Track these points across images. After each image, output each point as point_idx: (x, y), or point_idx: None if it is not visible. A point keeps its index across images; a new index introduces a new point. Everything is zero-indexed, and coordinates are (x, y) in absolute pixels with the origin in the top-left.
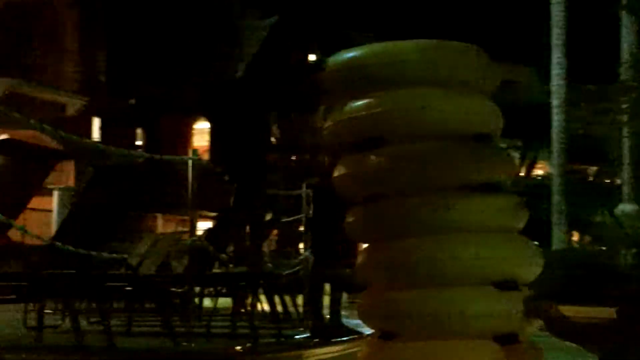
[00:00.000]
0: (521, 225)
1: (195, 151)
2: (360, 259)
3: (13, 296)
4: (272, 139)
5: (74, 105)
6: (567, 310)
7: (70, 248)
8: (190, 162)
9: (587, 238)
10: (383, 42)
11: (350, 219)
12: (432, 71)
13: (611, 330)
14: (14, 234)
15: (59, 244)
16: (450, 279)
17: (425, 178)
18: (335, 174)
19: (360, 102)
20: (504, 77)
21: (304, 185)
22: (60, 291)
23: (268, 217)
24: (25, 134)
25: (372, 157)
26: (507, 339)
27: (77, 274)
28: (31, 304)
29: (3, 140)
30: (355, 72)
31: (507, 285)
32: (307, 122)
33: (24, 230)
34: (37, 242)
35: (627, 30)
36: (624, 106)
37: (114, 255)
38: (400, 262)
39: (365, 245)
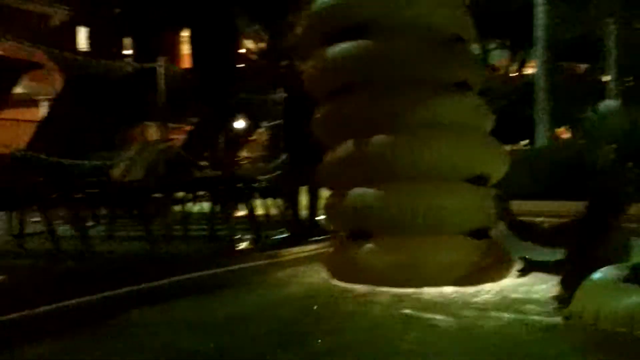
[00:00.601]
0: (488, 125)
1: (166, 59)
2: (327, 157)
3: None
4: (252, 45)
5: (58, 15)
6: (538, 205)
7: (42, 156)
8: (161, 70)
9: (578, 134)
10: None
11: (318, 115)
12: None
13: (567, 233)
14: None
15: (30, 152)
16: (424, 173)
17: (396, 76)
18: (308, 66)
19: None
20: None
21: (282, 91)
22: (35, 199)
23: (242, 121)
24: (10, 46)
25: (348, 46)
26: (480, 234)
27: (48, 182)
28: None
29: None
30: None
31: (479, 180)
32: (285, 26)
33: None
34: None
35: None
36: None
37: (95, 162)
38: (372, 158)
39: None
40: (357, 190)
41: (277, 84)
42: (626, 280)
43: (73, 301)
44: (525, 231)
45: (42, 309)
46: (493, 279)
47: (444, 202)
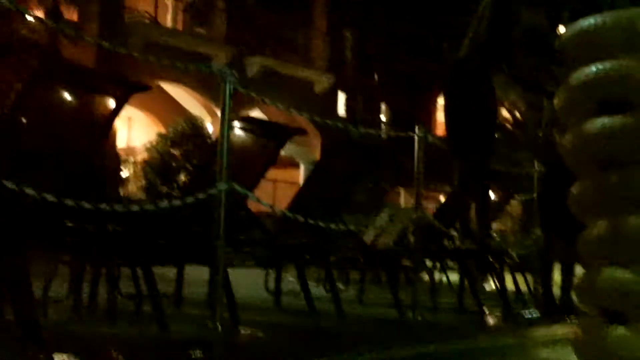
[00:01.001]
0: None
1: (422, 126)
2: (585, 233)
3: (252, 262)
4: (516, 114)
5: (321, 82)
6: None
7: (300, 218)
8: (416, 138)
9: None
10: (621, 9)
11: (577, 191)
12: None
13: None
14: (252, 204)
15: (290, 214)
16: None
17: None
18: (566, 139)
19: (603, 65)
20: None
21: (536, 162)
22: (294, 259)
23: (494, 193)
24: (276, 111)
25: (617, 120)
26: None
27: (306, 244)
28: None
29: (242, 117)
30: (605, 34)
31: None
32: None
33: (257, 200)
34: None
35: None
36: None
37: (350, 227)
38: (632, 236)
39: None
40: (614, 270)
41: (534, 156)
42: None
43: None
44: None
45: None
46: None
47: None
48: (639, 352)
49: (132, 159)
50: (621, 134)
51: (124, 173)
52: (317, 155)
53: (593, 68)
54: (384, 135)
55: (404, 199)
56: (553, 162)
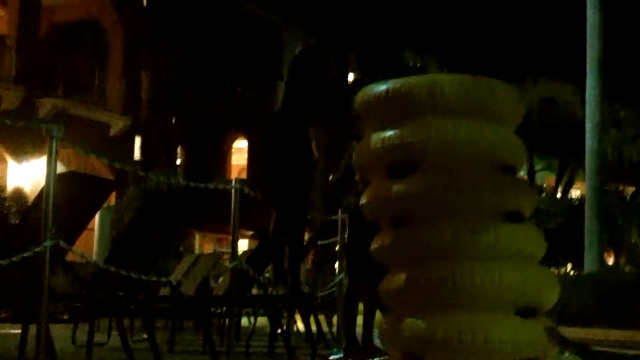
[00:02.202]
0: (542, 253)
1: (239, 179)
2: (385, 282)
3: (66, 316)
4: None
5: (117, 125)
6: (596, 333)
7: (122, 272)
8: (233, 191)
9: (623, 259)
10: (419, 75)
11: (377, 243)
12: (466, 104)
13: None
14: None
15: (112, 267)
16: (475, 304)
17: (455, 205)
18: (365, 199)
19: (394, 131)
20: (547, 94)
21: (340, 209)
22: (112, 311)
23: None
24: (80, 162)
25: (404, 183)
26: None
27: (127, 296)
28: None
29: (66, 172)
30: (389, 102)
31: (528, 312)
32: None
33: (82, 256)
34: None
35: None
36: None
37: (162, 279)
38: (425, 286)
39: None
40: (412, 318)
41: (338, 199)
42: None
43: None
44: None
45: None
46: None
47: (497, 335)
48: None
49: None
50: (406, 197)
51: None
52: (110, 201)
53: (381, 135)
54: (202, 186)
55: (198, 242)
56: (358, 210)
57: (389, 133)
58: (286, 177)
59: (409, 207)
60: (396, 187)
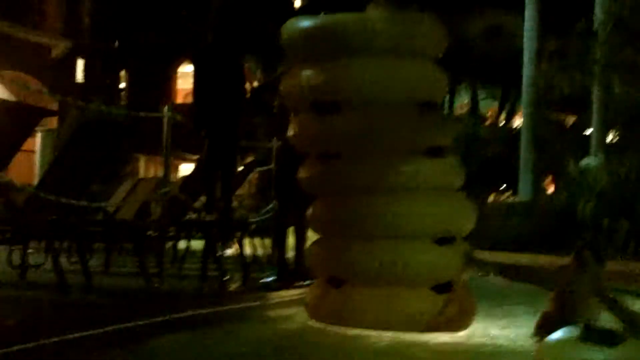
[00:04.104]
0: (460, 184)
1: (170, 106)
2: (312, 210)
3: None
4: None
5: (58, 47)
6: (522, 257)
7: (51, 197)
8: (165, 119)
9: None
10: (342, 13)
11: (304, 173)
12: (386, 41)
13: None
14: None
15: (42, 193)
16: (396, 233)
17: (377, 144)
18: (291, 131)
19: (319, 69)
20: (490, 23)
21: (275, 139)
22: (43, 235)
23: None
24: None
25: (328, 120)
26: (443, 288)
27: (58, 220)
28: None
29: None
30: (313, 39)
31: (446, 239)
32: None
33: (10, 182)
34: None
35: None
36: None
37: (93, 204)
38: (351, 216)
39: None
40: (336, 242)
41: (276, 131)
42: (582, 339)
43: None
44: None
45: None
46: (457, 328)
47: (415, 262)
48: (358, 313)
49: None
50: (330, 135)
51: None
52: (53, 123)
53: (307, 72)
54: (132, 114)
55: (144, 165)
56: (286, 141)
57: (314, 70)
58: (216, 105)
59: (333, 144)
60: (321, 125)
